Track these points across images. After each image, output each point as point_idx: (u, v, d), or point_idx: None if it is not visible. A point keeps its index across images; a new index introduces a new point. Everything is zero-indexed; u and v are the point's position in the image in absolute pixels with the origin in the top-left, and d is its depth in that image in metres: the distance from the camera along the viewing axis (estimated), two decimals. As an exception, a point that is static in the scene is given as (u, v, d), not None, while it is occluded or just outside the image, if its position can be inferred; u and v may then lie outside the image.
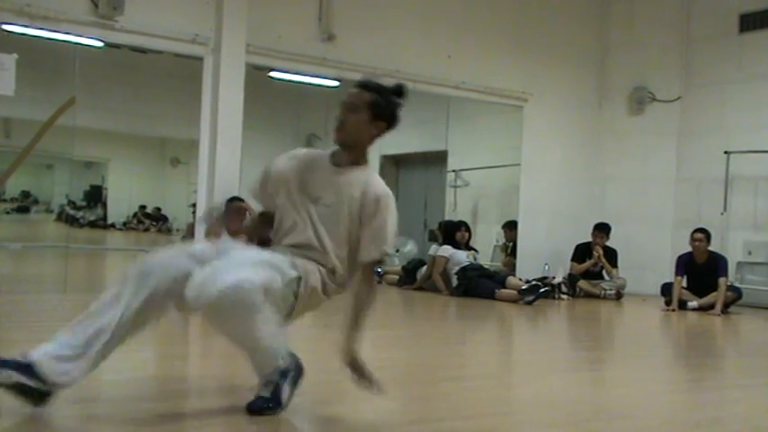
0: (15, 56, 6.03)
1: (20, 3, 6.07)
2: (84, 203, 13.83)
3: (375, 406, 3.11)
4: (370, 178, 2.89)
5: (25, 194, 13.96)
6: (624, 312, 7.80)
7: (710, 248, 7.75)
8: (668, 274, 8.04)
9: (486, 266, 8.42)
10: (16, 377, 2.50)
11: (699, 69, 9.12)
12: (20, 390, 2.52)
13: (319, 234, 2.83)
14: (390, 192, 2.88)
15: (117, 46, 7.41)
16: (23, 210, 13.94)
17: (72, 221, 13.19)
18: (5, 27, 6.22)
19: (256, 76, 7.67)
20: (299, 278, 2.74)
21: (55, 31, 6.43)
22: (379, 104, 2.87)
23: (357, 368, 2.76)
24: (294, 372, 2.84)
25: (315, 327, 5.82)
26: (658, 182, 9.28)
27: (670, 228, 9.13)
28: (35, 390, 2.53)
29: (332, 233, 2.84)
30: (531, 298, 7.32)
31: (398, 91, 2.93)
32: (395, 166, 12.59)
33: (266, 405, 2.74)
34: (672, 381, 4.28)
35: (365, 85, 2.91)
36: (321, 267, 2.84)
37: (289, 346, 2.83)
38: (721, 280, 7.48)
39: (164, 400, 3.06)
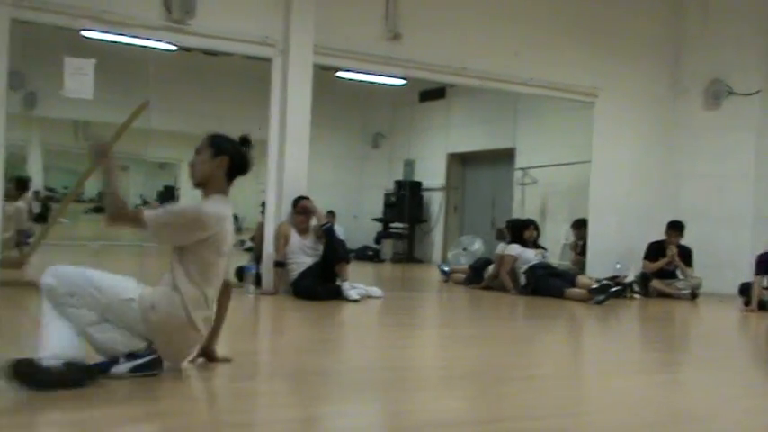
0: (94, 61, 6.25)
1: (97, 9, 6.29)
2: (157, 203, 14.22)
3: (443, 405, 3.11)
4: None
5: (102, 195, 14.43)
6: (700, 313, 7.56)
7: (792, 247, 7.45)
8: (747, 274, 7.76)
9: (554, 265, 8.30)
10: None
11: (779, 60, 8.78)
12: None
13: None
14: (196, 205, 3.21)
15: (188, 49, 7.60)
16: (101, 210, 14.38)
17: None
18: (84, 33, 6.45)
19: (323, 77, 7.75)
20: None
21: (130, 36, 6.64)
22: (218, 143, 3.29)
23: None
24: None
25: (383, 326, 5.85)
26: (736, 179, 8.96)
27: (749, 226, 8.81)
28: None
29: None
30: (601, 297, 7.17)
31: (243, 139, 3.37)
32: (461, 164, 12.55)
33: None
34: (750, 385, 4.13)
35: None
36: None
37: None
38: (804, 280, 7.19)
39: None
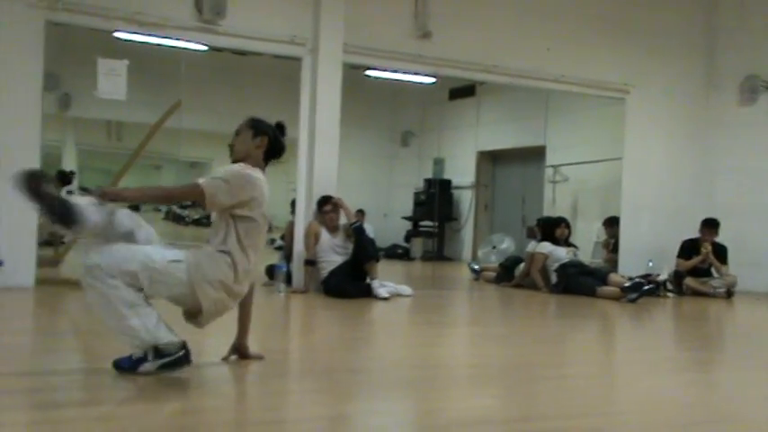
0: (126, 62, 6.34)
1: (130, 11, 6.37)
2: (188, 203, 14.36)
3: (476, 402, 3.10)
4: None
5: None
6: (735, 311, 7.44)
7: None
8: (784, 272, 7.62)
9: (586, 263, 8.22)
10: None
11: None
12: None
13: None
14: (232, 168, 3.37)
15: (219, 49, 7.66)
16: (134, 209, 14.58)
17: (178, 220, 13.73)
18: (117, 35, 6.54)
19: (353, 75, 7.77)
20: None
21: (162, 37, 6.71)
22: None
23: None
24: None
25: (413, 324, 5.85)
26: (773, 175, 8.80)
27: (786, 223, 8.64)
28: None
29: None
30: (634, 296, 7.09)
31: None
32: (491, 161, 12.50)
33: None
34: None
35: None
36: None
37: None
38: (843, 278, 7.03)
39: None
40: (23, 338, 4.23)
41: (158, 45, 6.86)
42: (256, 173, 3.39)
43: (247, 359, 3.54)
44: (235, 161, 3.46)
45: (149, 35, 6.63)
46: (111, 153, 11.53)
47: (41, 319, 5.14)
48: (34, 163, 6.13)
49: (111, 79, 6.26)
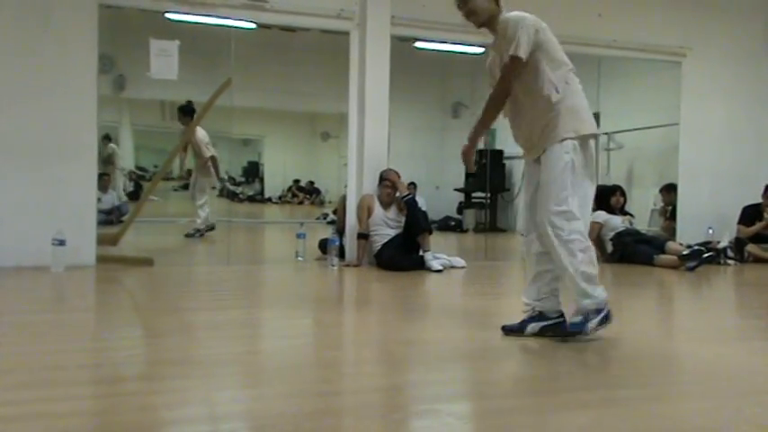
0: (178, 42, 6.43)
1: (180, -9, 6.43)
2: (242, 179, 14.55)
3: (529, 371, 3.09)
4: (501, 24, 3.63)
5: (190, 173, 14.88)
6: (800, 278, 7.22)
7: None
8: None
9: (642, 231, 8.07)
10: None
11: None
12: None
13: None
14: (515, 15, 3.57)
15: (268, 26, 7.69)
16: (189, 187, 14.84)
17: (233, 197, 13.93)
18: (168, 15, 6.62)
19: (401, 48, 7.71)
20: None
21: (212, 16, 6.77)
22: None
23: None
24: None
25: (466, 296, 5.84)
26: (838, 136, 8.46)
27: None
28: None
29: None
30: (693, 264, 6.94)
31: None
32: (544, 131, 12.30)
33: (576, 329, 3.56)
34: None
35: None
36: None
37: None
38: None
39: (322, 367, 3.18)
40: (86, 315, 4.37)
41: (208, 24, 6.93)
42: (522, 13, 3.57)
43: None
44: (480, 25, 3.68)
45: (199, 15, 6.70)
46: (166, 132, 11.73)
47: (103, 296, 5.30)
48: (92, 144, 6.30)
49: (164, 60, 6.36)
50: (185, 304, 4.78)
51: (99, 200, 6.85)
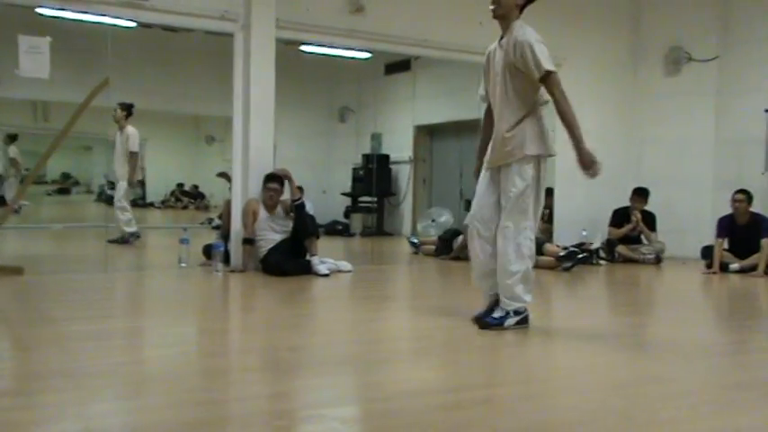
0: (49, 39, 6.12)
1: (52, -14, 6.13)
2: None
3: (415, 375, 3.15)
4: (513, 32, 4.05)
5: (65, 176, 14.20)
6: (664, 276, 7.71)
7: (752, 209, 7.61)
8: (709, 237, 7.93)
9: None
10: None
11: (737, 26, 8.86)
12: None
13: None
14: (526, 33, 4.04)
15: (148, 25, 7.46)
16: (64, 191, 14.19)
17: (111, 201, 13.39)
18: (40, 10, 6.30)
19: (288, 52, 7.67)
20: None
21: (87, 13, 6.49)
22: None
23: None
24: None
25: (353, 300, 5.86)
26: (697, 143, 9.09)
27: (710, 189, 8.96)
28: None
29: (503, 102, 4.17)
30: (569, 264, 7.28)
31: None
32: (428, 136, 12.55)
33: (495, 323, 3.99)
34: (714, 343, 4.24)
35: None
36: None
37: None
38: (764, 241, 7.36)
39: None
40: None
41: (83, 21, 6.63)
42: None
43: None
44: (498, 16, 4.12)
45: (73, 11, 6.40)
46: (38, 134, 11.16)
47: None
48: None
49: (33, 57, 6.03)
50: (58, 314, 4.55)
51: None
